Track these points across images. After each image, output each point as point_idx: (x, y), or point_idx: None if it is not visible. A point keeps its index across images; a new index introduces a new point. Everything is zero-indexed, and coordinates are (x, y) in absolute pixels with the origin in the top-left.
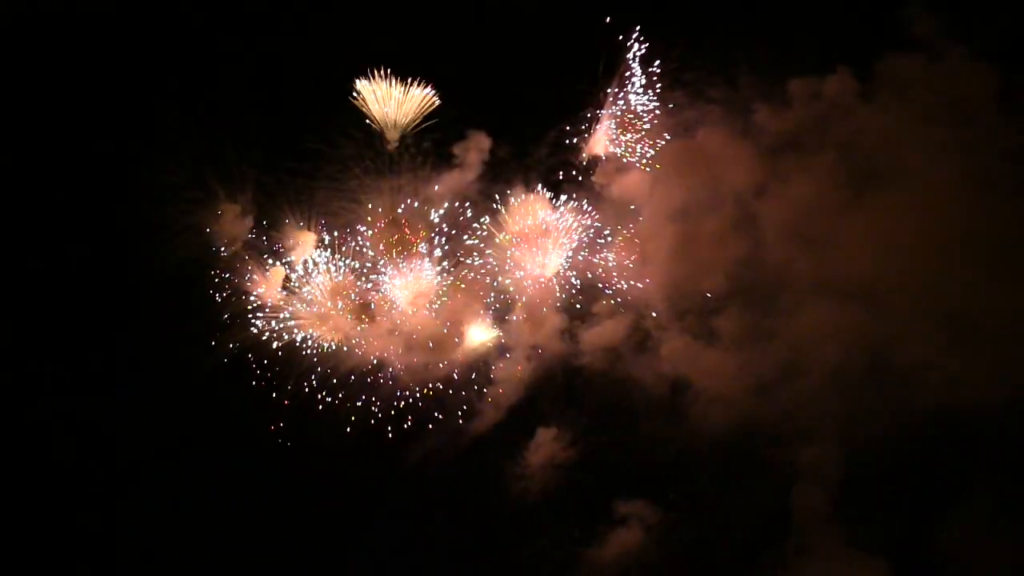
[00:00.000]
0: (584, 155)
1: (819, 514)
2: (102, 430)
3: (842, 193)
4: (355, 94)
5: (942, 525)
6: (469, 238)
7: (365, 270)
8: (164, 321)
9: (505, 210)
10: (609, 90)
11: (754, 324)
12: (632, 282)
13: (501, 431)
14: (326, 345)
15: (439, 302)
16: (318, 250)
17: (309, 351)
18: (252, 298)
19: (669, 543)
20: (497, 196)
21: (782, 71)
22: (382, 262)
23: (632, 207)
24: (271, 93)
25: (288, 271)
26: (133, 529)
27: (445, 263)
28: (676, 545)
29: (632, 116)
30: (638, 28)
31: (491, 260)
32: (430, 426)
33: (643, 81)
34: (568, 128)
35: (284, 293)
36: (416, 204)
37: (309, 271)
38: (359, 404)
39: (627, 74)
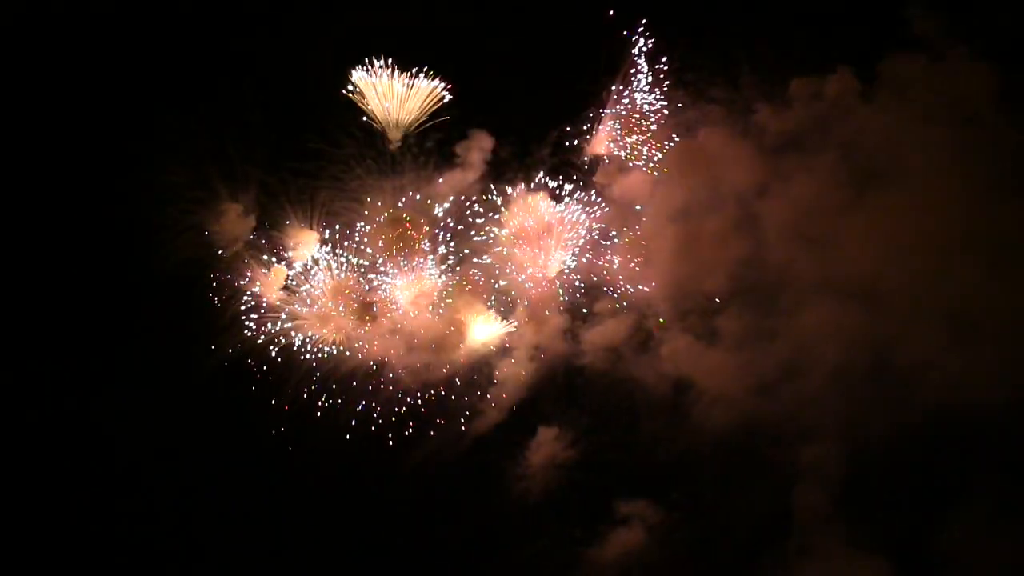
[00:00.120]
0: (586, 155)
1: (820, 514)
2: (102, 430)
3: (843, 193)
4: (353, 88)
5: (943, 525)
6: (471, 238)
7: (367, 270)
8: (165, 321)
9: (507, 210)
10: (612, 88)
11: (755, 324)
12: (634, 283)
13: (503, 431)
14: (327, 346)
15: (441, 303)
16: (320, 250)
17: (310, 352)
18: (254, 298)
19: (671, 543)
20: (499, 196)
21: (783, 71)
22: (381, 261)
23: (634, 207)
24: (274, 93)
25: (289, 271)
26: (133, 529)
27: (447, 263)
28: (678, 545)
29: (637, 116)
30: (641, 26)
31: (493, 260)
32: (431, 426)
33: (648, 80)
34: (571, 128)
35: (285, 293)
36: (418, 204)
37: (311, 271)
38: (360, 404)
39: (631, 72)
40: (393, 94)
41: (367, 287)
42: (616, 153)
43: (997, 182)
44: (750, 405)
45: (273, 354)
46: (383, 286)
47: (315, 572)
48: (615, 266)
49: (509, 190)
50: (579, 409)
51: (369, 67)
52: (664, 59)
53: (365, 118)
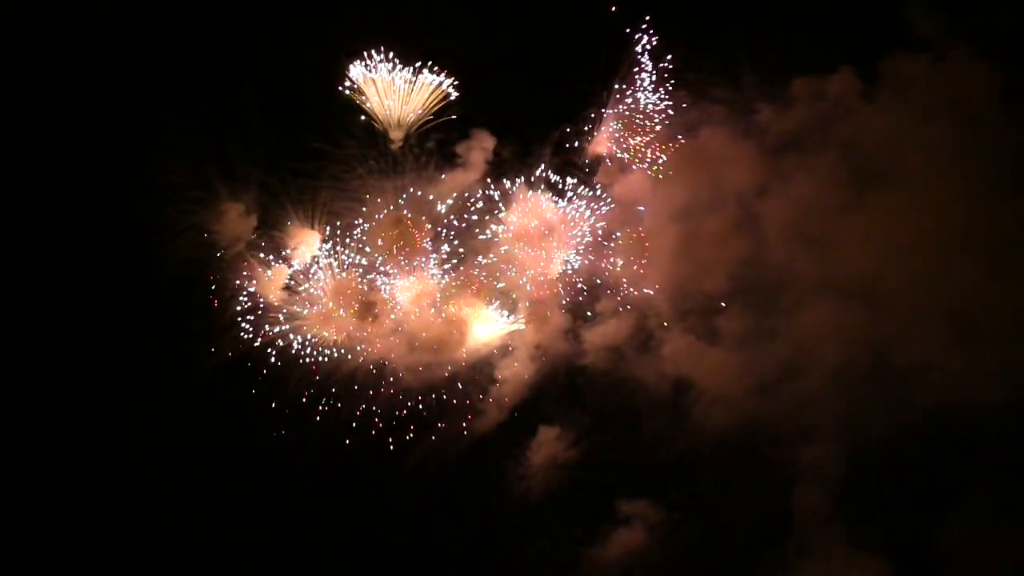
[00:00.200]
0: (588, 155)
1: (820, 513)
2: (102, 430)
3: (844, 193)
4: (352, 85)
5: (943, 525)
6: (472, 238)
7: (368, 270)
8: (166, 321)
9: (509, 209)
10: (614, 87)
11: (756, 324)
12: (635, 283)
13: (504, 431)
14: (328, 346)
15: (443, 303)
16: (321, 250)
17: (311, 352)
18: (254, 298)
19: (671, 543)
20: (501, 195)
21: (784, 71)
22: (382, 260)
23: (635, 207)
24: (274, 92)
25: (290, 271)
26: (133, 529)
27: (449, 263)
28: (678, 544)
29: (640, 117)
30: (644, 23)
31: (494, 260)
32: (432, 426)
33: (651, 79)
34: (572, 127)
35: (286, 293)
36: (420, 203)
37: (312, 271)
38: (361, 404)
39: (633, 71)
40: (395, 92)
41: (368, 287)
42: (618, 154)
43: (998, 182)
44: (751, 405)
45: (273, 354)
46: (384, 286)
47: (316, 572)
48: (617, 266)
49: (511, 190)
50: (580, 409)
51: (369, 63)
52: (666, 57)
53: (364, 117)
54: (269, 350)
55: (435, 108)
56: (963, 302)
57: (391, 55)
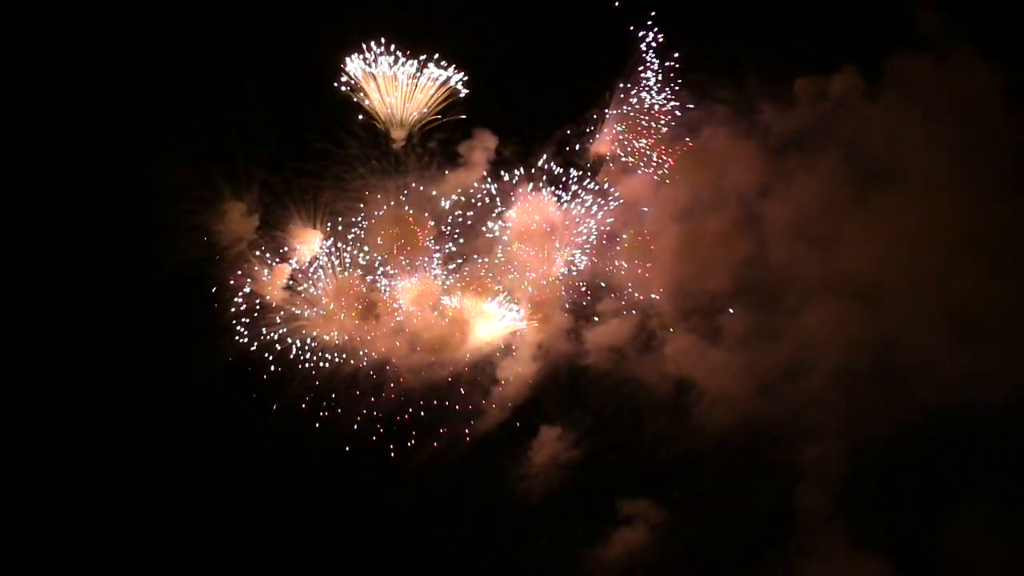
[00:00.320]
0: (591, 154)
1: (822, 513)
2: (102, 430)
3: (847, 192)
4: (349, 81)
5: (944, 524)
6: (475, 237)
7: (370, 270)
8: (168, 321)
9: (511, 209)
10: (617, 87)
11: (758, 324)
12: (637, 283)
13: (505, 431)
14: (330, 346)
15: (445, 303)
16: (323, 249)
17: (312, 352)
18: (256, 298)
19: (673, 542)
20: (503, 195)
21: (787, 70)
22: (384, 260)
23: (638, 207)
24: (276, 92)
25: (292, 271)
26: (132, 530)
27: (451, 263)
28: (680, 544)
29: (646, 118)
30: (649, 20)
31: (497, 260)
32: (434, 426)
33: (657, 79)
34: (575, 127)
35: (288, 293)
36: (422, 203)
37: (313, 271)
38: (363, 404)
39: (637, 70)
40: (396, 88)
41: (370, 287)
42: (620, 154)
43: (1001, 182)
44: (752, 405)
45: (275, 354)
46: (386, 286)
47: (317, 572)
48: (621, 269)
49: (513, 190)
50: (582, 409)
51: (368, 57)
52: (670, 57)
53: (361, 116)
54: (270, 351)
55: (439, 107)
56: (964, 302)
57: (392, 47)
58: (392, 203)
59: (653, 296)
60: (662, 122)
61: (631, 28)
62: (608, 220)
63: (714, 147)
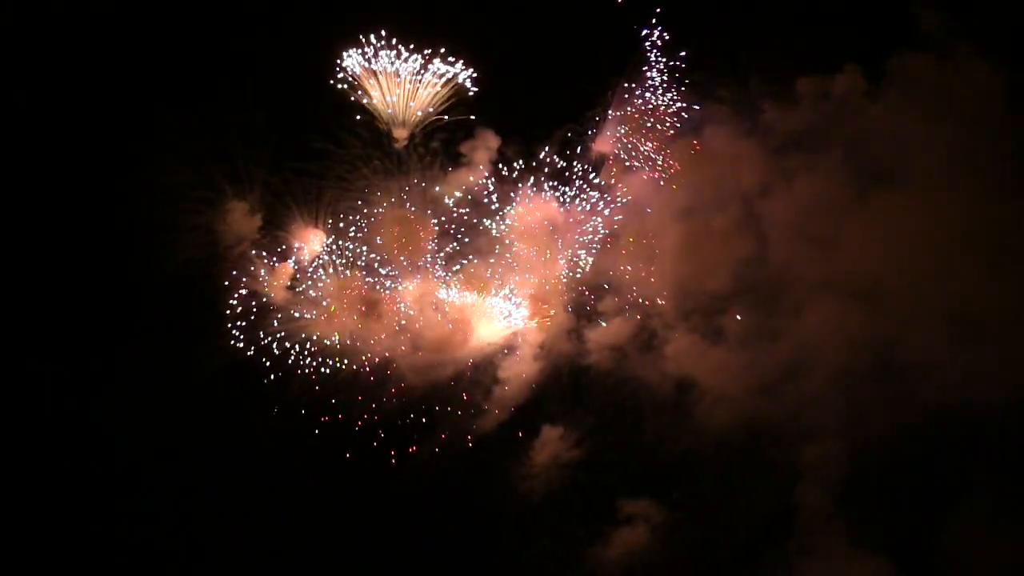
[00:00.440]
0: (593, 154)
1: (822, 513)
2: (103, 430)
3: (848, 192)
4: (347, 78)
5: (944, 524)
6: (477, 237)
7: (372, 269)
8: (170, 321)
9: (513, 209)
10: (620, 86)
11: (759, 324)
12: (639, 283)
13: (507, 430)
14: (332, 345)
15: (446, 302)
16: (325, 249)
17: (315, 351)
18: (258, 298)
19: (673, 542)
20: (505, 195)
21: (789, 70)
22: (386, 260)
23: (640, 207)
24: (277, 92)
25: (295, 269)
26: (131, 531)
27: (453, 262)
28: (680, 544)
29: (649, 119)
30: (652, 19)
31: (499, 259)
32: (435, 425)
33: (662, 78)
34: (578, 127)
35: (290, 293)
36: (424, 202)
37: (316, 270)
38: (364, 403)
39: (641, 69)
40: (398, 85)
41: (372, 287)
42: (623, 154)
43: (1002, 182)
44: (753, 405)
45: (277, 354)
46: (388, 285)
47: (318, 572)
48: (625, 272)
49: (515, 189)
50: (583, 409)
51: (367, 52)
52: (673, 56)
53: (360, 116)
54: (272, 351)
55: (443, 106)
56: (965, 302)
57: (394, 41)
58: (394, 202)
59: (656, 297)
60: (667, 124)
61: (634, 27)
62: (611, 220)
63: (715, 147)
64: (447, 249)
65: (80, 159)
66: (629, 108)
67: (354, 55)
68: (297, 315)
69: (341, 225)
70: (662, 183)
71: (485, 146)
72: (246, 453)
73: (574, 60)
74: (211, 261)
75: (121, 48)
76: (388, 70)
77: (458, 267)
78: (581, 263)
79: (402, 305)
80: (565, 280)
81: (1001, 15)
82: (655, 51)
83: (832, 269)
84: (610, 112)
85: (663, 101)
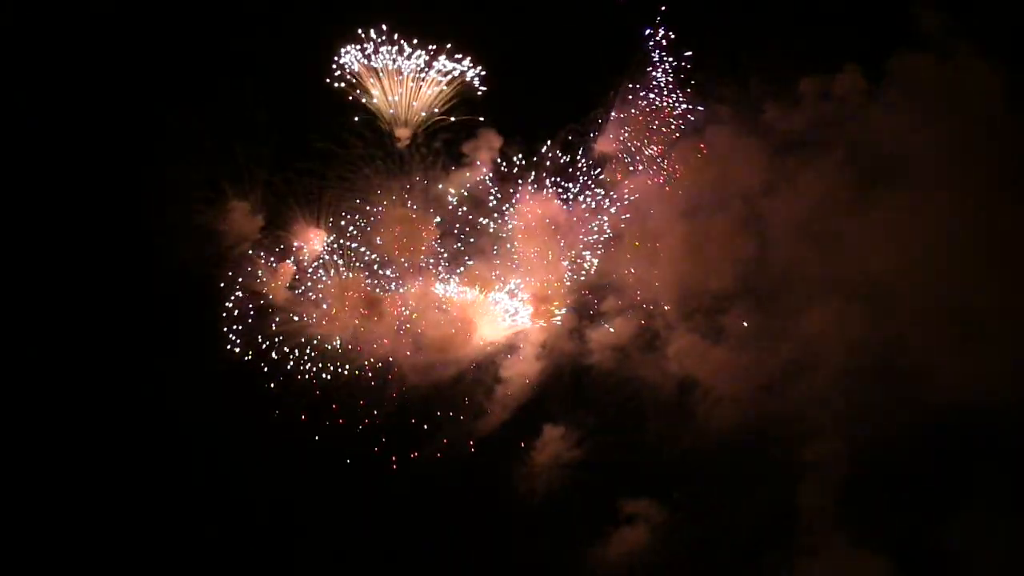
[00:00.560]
0: (596, 154)
1: (824, 513)
2: (104, 430)
3: (850, 192)
4: (345, 76)
5: (946, 524)
6: (479, 236)
7: (374, 268)
8: (171, 322)
9: (515, 208)
10: (623, 86)
11: (761, 324)
12: (641, 283)
13: (508, 430)
14: (333, 344)
15: (448, 302)
16: (327, 248)
17: (316, 351)
18: (260, 298)
19: (674, 542)
20: (507, 194)
21: (791, 70)
22: (388, 259)
23: (642, 206)
24: (280, 92)
25: (296, 269)
26: (129, 533)
27: (455, 262)
28: (681, 544)
29: (652, 119)
30: (657, 19)
31: (501, 259)
32: (437, 425)
33: (667, 78)
34: (580, 126)
35: (292, 293)
36: (426, 202)
37: (317, 270)
38: (365, 403)
39: (644, 69)
40: (401, 83)
41: (374, 286)
42: (625, 153)
43: (1004, 181)
44: (754, 405)
45: (279, 354)
46: (390, 285)
47: (319, 568)
48: (623, 266)
49: (517, 188)
50: (585, 408)
51: (366, 47)
52: (676, 56)
53: (359, 117)
54: (273, 351)
55: (446, 106)
56: (967, 302)
57: (396, 36)
58: (397, 202)
59: (658, 297)
60: (672, 126)
61: (637, 27)
62: (614, 220)
63: (717, 147)
64: (449, 249)
65: (80, 159)
66: (633, 110)
67: (352, 51)
68: (298, 317)
69: (343, 223)
70: (668, 189)
71: (488, 146)
72: (248, 451)
73: (576, 59)
74: (212, 261)
75: (121, 48)
76: (390, 67)
77: (462, 269)
78: (586, 265)
79: (405, 309)
80: (568, 282)
81: (1001, 15)
82: (658, 51)
83: (833, 269)
84: (612, 111)
85: (667, 103)
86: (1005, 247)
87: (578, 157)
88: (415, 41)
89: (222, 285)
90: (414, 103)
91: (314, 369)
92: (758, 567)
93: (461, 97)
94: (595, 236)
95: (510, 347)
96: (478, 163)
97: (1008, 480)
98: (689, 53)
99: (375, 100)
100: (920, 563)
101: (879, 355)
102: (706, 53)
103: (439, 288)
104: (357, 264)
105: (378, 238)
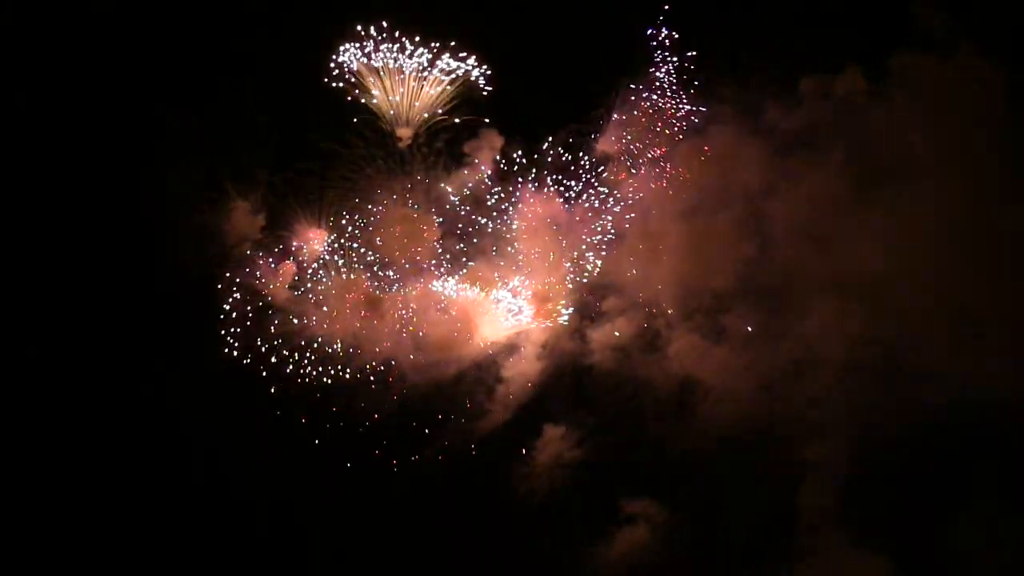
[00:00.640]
0: (597, 153)
1: (826, 513)
2: (104, 431)
3: (851, 192)
4: (343, 75)
5: (948, 524)
6: (480, 236)
7: (375, 269)
8: (171, 322)
9: (517, 208)
10: (624, 86)
11: (763, 323)
12: (642, 282)
13: (509, 430)
14: (335, 344)
15: (449, 301)
16: (328, 248)
17: (317, 351)
18: (261, 298)
19: (675, 542)
20: (509, 194)
21: (792, 69)
22: (389, 259)
23: (643, 206)
24: (282, 91)
25: (298, 269)
26: (127, 534)
27: (456, 261)
28: (682, 544)
29: (657, 123)
30: (660, 18)
31: (502, 258)
32: (437, 425)
33: (670, 80)
34: (582, 126)
35: (293, 292)
36: (428, 202)
37: (315, 270)
38: (366, 403)
39: (647, 69)
40: (402, 82)
41: (375, 286)
42: (626, 153)
43: (1007, 181)
44: (756, 404)
45: (278, 356)
46: (391, 286)
47: (319, 568)
48: (624, 265)
49: (519, 188)
50: (585, 408)
51: (366, 45)
52: (679, 57)
53: (358, 119)
54: (275, 351)
55: (449, 105)
56: (969, 302)
57: (397, 33)
58: (398, 202)
59: (659, 297)
60: (675, 126)
61: (640, 27)
62: (616, 220)
63: (718, 146)
64: (451, 248)
65: (81, 159)
66: (635, 111)
67: (352, 49)
68: (298, 317)
69: (344, 222)
70: (668, 189)
71: (489, 145)
72: (249, 451)
73: (578, 59)
74: (214, 261)
75: (122, 48)
76: (391, 66)
77: (464, 271)
78: (589, 266)
79: (405, 313)
80: (571, 283)
81: (1002, 14)
82: (661, 52)
83: (835, 268)
84: (614, 111)
85: (670, 105)
86: (1006, 247)
87: (580, 157)
88: (417, 39)
89: (221, 285)
90: (416, 103)
91: (314, 373)
92: (759, 567)
93: (463, 97)
94: (597, 236)
95: (511, 347)
96: (478, 163)
97: (1008, 480)
98: (692, 54)
99: (375, 99)
100: (920, 563)
101: (880, 355)
102: (707, 53)
103: (440, 287)
104: (358, 266)
105: (378, 239)
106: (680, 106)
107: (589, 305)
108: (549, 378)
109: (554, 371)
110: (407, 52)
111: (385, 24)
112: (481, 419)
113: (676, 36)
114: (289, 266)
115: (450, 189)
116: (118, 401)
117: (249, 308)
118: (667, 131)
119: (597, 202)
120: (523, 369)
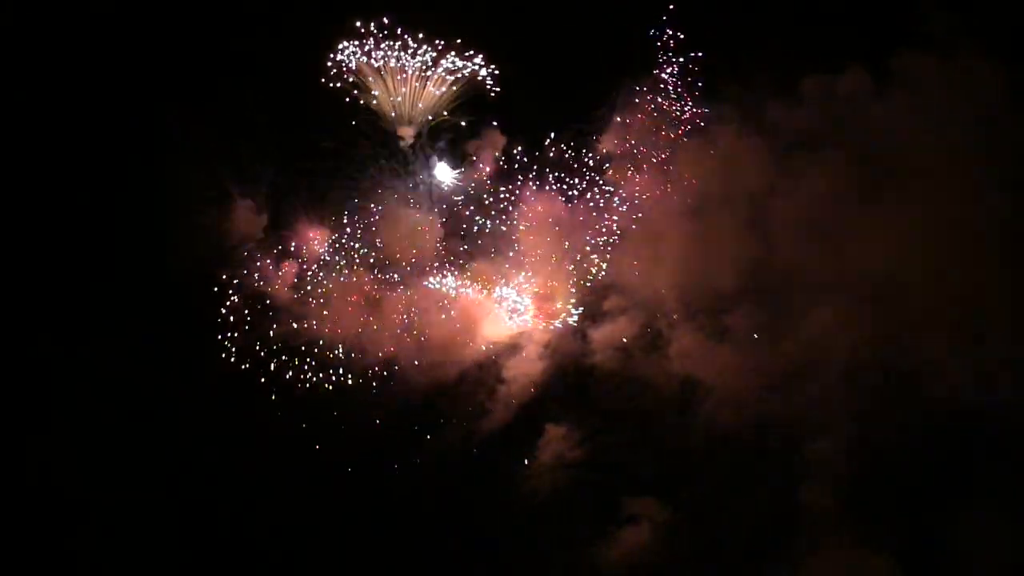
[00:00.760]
0: (599, 153)
1: (827, 512)
2: (104, 431)
3: (854, 191)
4: (344, 75)
5: (950, 523)
6: (482, 236)
7: (377, 269)
8: (173, 322)
9: (519, 208)
10: (626, 86)
11: (765, 323)
12: (644, 282)
13: (511, 429)
14: (337, 344)
15: (451, 301)
16: (330, 248)
17: (320, 351)
18: (263, 298)
19: (677, 541)
20: (511, 194)
21: (795, 69)
22: (387, 259)
23: (646, 206)
24: (284, 91)
25: (300, 269)
26: (132, 534)
27: (459, 262)
28: (684, 543)
29: (658, 125)
30: (665, 18)
31: (504, 258)
32: (439, 425)
33: (673, 81)
34: (584, 126)
35: (296, 292)
36: (430, 202)
37: (319, 271)
38: (368, 403)
39: (652, 72)
40: (405, 81)
41: (377, 286)
42: (630, 153)
43: (1009, 181)
44: (759, 404)
45: (282, 354)
46: (395, 288)
47: (319, 568)
48: (626, 265)
49: (521, 188)
50: (587, 408)
51: (367, 43)
52: (684, 58)
53: (354, 122)
54: (277, 351)
55: (451, 105)
56: (971, 302)
57: (399, 31)
58: (397, 199)
59: (661, 297)
60: (679, 128)
61: (644, 27)
62: (621, 220)
63: (721, 146)
64: (453, 248)
65: (82, 160)
66: (639, 114)
67: (351, 47)
68: (302, 314)
69: (345, 222)
70: (675, 197)
71: (492, 145)
72: (250, 451)
73: (581, 59)
74: (216, 261)
75: (122, 49)
76: (392, 65)
77: (468, 274)
78: (593, 269)
79: (406, 315)
80: (573, 284)
81: (1005, 14)
82: (665, 52)
83: (837, 268)
84: (616, 111)
85: (674, 106)
86: (1009, 246)
87: (583, 156)
88: (420, 36)
89: (225, 284)
90: (419, 103)
91: (315, 378)
92: (760, 566)
93: (466, 96)
94: (600, 236)
95: (513, 347)
96: (480, 163)
97: (1008, 480)
98: (695, 54)
99: (376, 99)
100: (922, 562)
101: (882, 355)
102: (709, 53)
103: (442, 287)
104: (360, 267)
105: (378, 240)
106: (686, 108)
107: (591, 305)
108: (551, 378)
109: (556, 371)
110: (409, 51)
111: (386, 21)
112: (483, 419)
113: (680, 37)
114: (290, 266)
115: (452, 189)
116: (118, 401)
117: (251, 308)
118: (673, 136)
119: (603, 200)
120: (525, 369)
